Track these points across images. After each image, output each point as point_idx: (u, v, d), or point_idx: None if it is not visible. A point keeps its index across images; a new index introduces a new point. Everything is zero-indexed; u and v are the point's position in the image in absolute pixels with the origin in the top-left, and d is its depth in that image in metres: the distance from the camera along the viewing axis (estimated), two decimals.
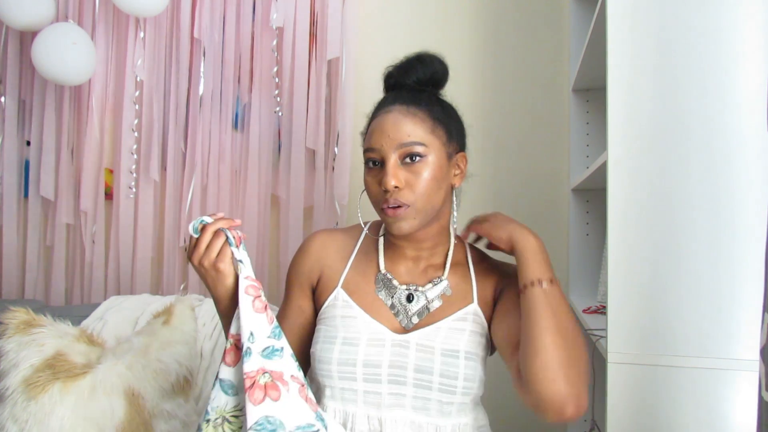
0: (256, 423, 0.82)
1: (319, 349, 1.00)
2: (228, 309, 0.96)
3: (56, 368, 1.34)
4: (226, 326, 0.97)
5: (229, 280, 0.94)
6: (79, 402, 1.31)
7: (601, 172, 1.20)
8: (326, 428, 0.88)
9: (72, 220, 2.11)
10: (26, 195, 2.15)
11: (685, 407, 1.01)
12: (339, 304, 1.03)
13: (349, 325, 1.00)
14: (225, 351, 0.91)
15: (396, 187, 0.95)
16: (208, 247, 0.93)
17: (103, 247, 2.09)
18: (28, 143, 2.14)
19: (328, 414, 0.97)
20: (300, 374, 0.90)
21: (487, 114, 1.93)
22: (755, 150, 1.00)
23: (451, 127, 1.02)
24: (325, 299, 1.05)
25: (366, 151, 1.00)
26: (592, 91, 1.81)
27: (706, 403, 1.00)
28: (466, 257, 1.09)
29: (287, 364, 0.88)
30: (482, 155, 1.92)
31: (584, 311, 1.48)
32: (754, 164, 1.00)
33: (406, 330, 1.00)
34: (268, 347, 0.88)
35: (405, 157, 0.96)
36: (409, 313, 1.02)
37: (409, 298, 1.02)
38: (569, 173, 1.84)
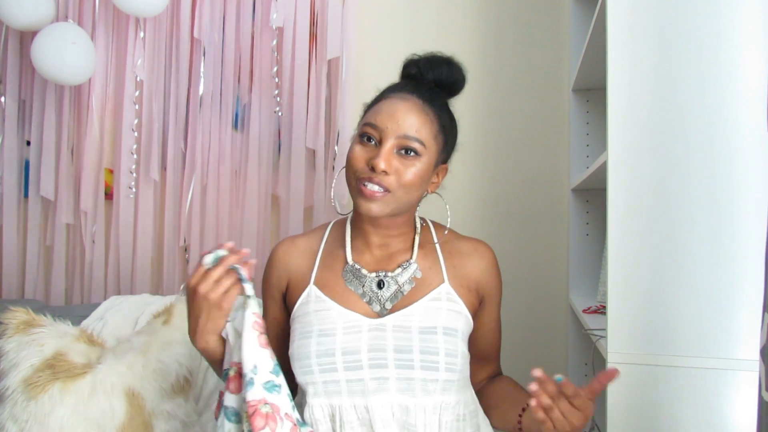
0: None
1: (296, 346, 1.00)
2: (216, 345, 0.94)
3: (56, 368, 1.34)
4: (215, 361, 0.97)
5: (222, 322, 0.93)
6: (79, 402, 1.31)
7: (601, 172, 1.20)
8: None
9: (72, 220, 2.11)
10: (26, 195, 2.15)
11: (685, 407, 1.01)
12: (312, 299, 1.03)
13: (323, 317, 1.00)
14: (228, 379, 0.92)
15: (384, 171, 0.96)
16: (217, 281, 0.91)
17: (103, 247, 2.08)
18: (28, 143, 2.14)
19: (315, 411, 0.97)
20: (294, 414, 0.91)
21: (487, 114, 1.93)
22: (755, 150, 1.00)
23: (449, 139, 1.04)
24: (297, 299, 1.05)
25: (366, 124, 1.00)
26: (592, 91, 1.81)
27: (706, 403, 1.00)
28: (432, 237, 1.10)
29: (284, 401, 0.90)
30: (482, 155, 1.92)
31: (584, 311, 1.48)
32: (754, 164, 1.00)
33: (380, 316, 1.01)
34: (269, 381, 0.89)
35: (401, 148, 0.97)
36: (382, 299, 1.02)
37: (380, 285, 1.03)
38: (569, 173, 1.84)
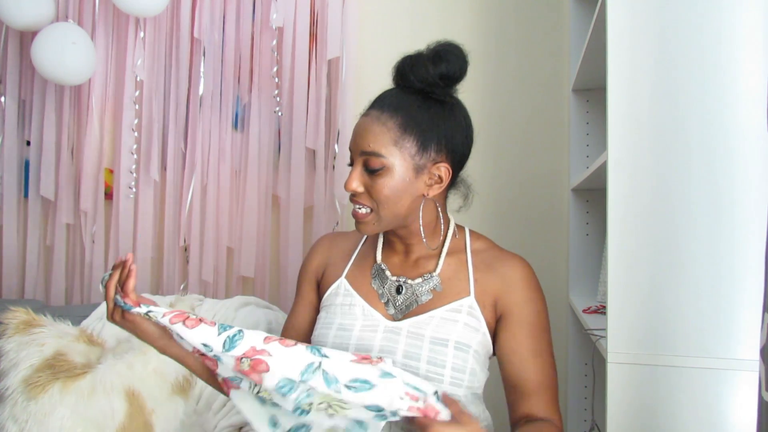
0: (272, 389, 0.86)
1: (316, 334, 1.05)
2: (176, 347, 0.97)
3: (56, 368, 1.34)
4: (189, 360, 0.99)
5: (146, 324, 0.95)
6: (79, 402, 1.31)
7: (601, 172, 1.20)
8: (324, 355, 0.87)
9: (72, 220, 2.11)
10: (26, 195, 2.15)
11: (685, 407, 1.01)
12: (341, 292, 1.07)
13: (347, 312, 1.04)
14: (205, 360, 0.93)
15: (354, 191, 0.99)
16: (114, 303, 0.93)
17: (103, 247, 2.09)
18: (28, 143, 2.14)
19: None
20: (273, 335, 0.91)
21: (487, 114, 1.93)
22: (755, 150, 1.00)
23: (429, 136, 0.98)
24: (327, 288, 1.10)
25: (349, 149, 1.04)
26: (592, 91, 1.81)
27: (706, 403, 1.00)
28: (465, 245, 1.07)
29: (252, 338, 0.89)
30: (482, 155, 1.92)
31: (584, 311, 1.48)
32: (754, 164, 1.00)
33: (395, 320, 1.03)
34: (225, 341, 0.88)
35: (366, 166, 0.98)
36: (398, 303, 1.03)
37: (398, 290, 1.04)
38: (569, 173, 1.84)
